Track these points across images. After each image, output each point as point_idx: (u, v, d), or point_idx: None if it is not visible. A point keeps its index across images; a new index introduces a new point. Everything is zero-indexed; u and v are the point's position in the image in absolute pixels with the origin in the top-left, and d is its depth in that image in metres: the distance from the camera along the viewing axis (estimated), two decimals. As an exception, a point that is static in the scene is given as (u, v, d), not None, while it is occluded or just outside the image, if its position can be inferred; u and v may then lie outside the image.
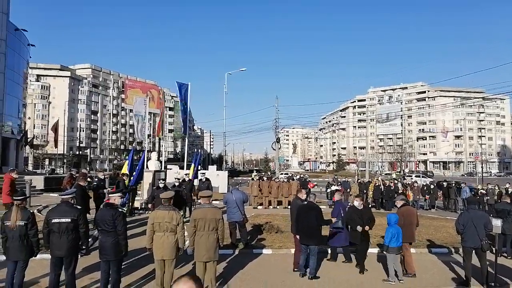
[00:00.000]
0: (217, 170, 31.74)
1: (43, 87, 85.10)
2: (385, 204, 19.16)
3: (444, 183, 20.80)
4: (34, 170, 53.61)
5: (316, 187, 26.55)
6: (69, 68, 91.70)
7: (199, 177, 15.70)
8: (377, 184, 19.99)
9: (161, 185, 11.74)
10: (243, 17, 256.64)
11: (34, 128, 79.43)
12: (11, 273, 5.55)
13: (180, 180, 14.16)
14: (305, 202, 7.79)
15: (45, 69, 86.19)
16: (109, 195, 6.45)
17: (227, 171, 32.85)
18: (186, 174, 16.66)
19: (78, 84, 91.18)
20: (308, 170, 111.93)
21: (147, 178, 16.51)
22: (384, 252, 7.39)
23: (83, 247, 6.05)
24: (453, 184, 20.62)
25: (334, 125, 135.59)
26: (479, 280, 7.10)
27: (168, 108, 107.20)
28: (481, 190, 19.36)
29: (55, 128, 35.54)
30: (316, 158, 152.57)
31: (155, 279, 6.12)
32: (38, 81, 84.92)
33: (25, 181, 19.31)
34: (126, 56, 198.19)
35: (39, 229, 5.89)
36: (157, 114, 19.47)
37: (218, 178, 26.94)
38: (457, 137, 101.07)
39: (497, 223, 7.16)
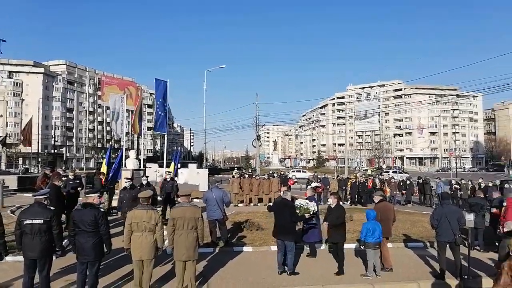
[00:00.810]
0: (197, 168, 31.52)
1: (16, 84, 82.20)
2: (363, 200, 19.45)
3: (420, 180, 21.33)
4: (7, 170, 51.78)
5: (296, 183, 26.78)
6: (43, 64, 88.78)
7: (164, 176, 14.22)
8: (353, 181, 20.35)
9: (127, 185, 10.23)
10: (220, 12, 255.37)
11: (6, 126, 76.82)
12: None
13: (162, 179, 13.71)
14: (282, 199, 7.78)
15: (17, 65, 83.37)
16: (87, 195, 6.28)
17: (207, 169, 32.65)
18: (167, 173, 16.44)
19: (53, 80, 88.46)
20: (288, 167, 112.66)
21: (125, 176, 16.21)
22: (362, 247, 7.52)
23: (57, 248, 5.89)
24: (429, 180, 21.16)
25: (314, 122, 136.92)
26: (453, 273, 7.32)
27: (146, 106, 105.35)
28: (455, 185, 19.95)
29: (28, 127, 34.39)
30: (296, 155, 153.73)
31: (133, 279, 6.02)
32: (10, 77, 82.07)
33: (-3, 181, 18.63)
34: (102, 53, 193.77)
35: (6, 231, 5.69)
36: (134, 111, 19.10)
37: (198, 176, 26.78)
38: (432, 133, 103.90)
39: (470, 217, 7.40)
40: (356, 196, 19.99)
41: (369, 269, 7.26)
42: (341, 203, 8.55)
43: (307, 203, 7.71)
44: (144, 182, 11.50)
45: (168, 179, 13.53)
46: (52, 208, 6.04)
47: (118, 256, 7.88)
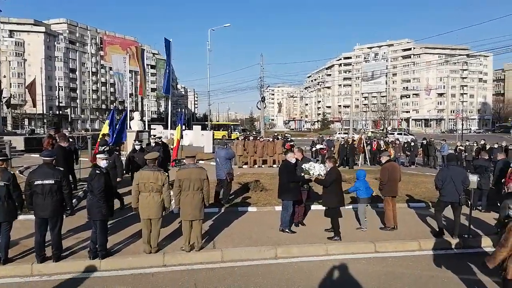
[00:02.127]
0: (201, 129, 31.60)
1: (17, 44, 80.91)
2: (350, 162, 19.05)
3: (424, 141, 21.27)
4: (13, 131, 52.29)
5: (293, 147, 26.57)
6: (43, 23, 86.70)
7: (150, 141, 13.12)
8: (342, 143, 20.12)
9: (137, 147, 10.47)
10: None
11: (10, 87, 76.45)
12: (-5, 235, 5.53)
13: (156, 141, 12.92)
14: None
15: (17, 24, 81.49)
16: (97, 156, 6.41)
17: (212, 131, 32.74)
18: (171, 134, 16.49)
19: (54, 40, 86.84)
20: (293, 129, 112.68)
21: (130, 138, 16.33)
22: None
23: (68, 208, 6.06)
24: (433, 142, 21.09)
25: (320, 83, 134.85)
26: (450, 231, 7.49)
27: (149, 66, 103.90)
28: (460, 147, 19.91)
29: (32, 87, 34.20)
30: (301, 117, 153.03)
31: (142, 237, 6.23)
32: (11, 37, 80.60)
33: (5, 142, 18.86)
34: (102, 11, 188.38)
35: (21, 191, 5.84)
36: (138, 72, 18.79)
37: (203, 138, 26.92)
38: (440, 94, 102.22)
39: (473, 178, 7.46)
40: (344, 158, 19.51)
41: (362, 223, 7.86)
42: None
43: (313, 166, 7.73)
44: (137, 147, 10.67)
45: (153, 145, 12.35)
46: (62, 168, 6.15)
47: (127, 215, 8.11)
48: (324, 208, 7.56)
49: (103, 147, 9.17)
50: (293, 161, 7.69)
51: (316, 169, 7.50)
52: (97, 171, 5.90)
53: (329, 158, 7.92)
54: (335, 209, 7.28)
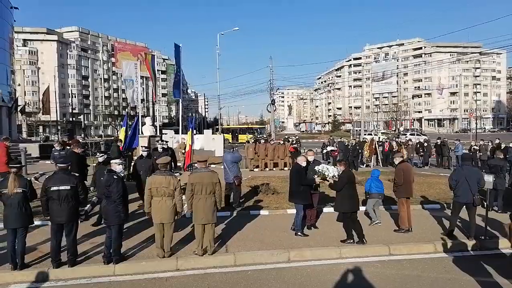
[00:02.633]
0: (212, 133, 31.73)
1: (31, 52, 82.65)
2: (355, 164, 18.64)
3: (438, 141, 20.96)
4: (28, 138, 53.29)
5: (296, 150, 26.31)
6: (56, 31, 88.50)
7: (156, 146, 12.84)
8: (346, 143, 19.90)
9: (144, 154, 10.07)
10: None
11: (24, 95, 77.98)
12: (12, 241, 5.64)
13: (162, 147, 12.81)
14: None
15: (31, 33, 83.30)
16: (111, 161, 6.50)
17: (222, 135, 32.85)
18: (182, 138, 16.57)
19: (66, 48, 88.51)
20: (303, 131, 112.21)
21: (142, 143, 16.50)
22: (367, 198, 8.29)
23: (82, 213, 6.15)
24: (447, 142, 20.77)
25: (330, 85, 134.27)
26: (466, 233, 7.37)
27: (160, 72, 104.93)
28: (474, 146, 19.56)
29: (45, 95, 34.85)
30: (311, 119, 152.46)
31: (155, 242, 6.27)
32: (25, 46, 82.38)
33: (20, 149, 19.23)
34: (113, 19, 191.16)
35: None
36: (149, 78, 19.00)
37: (214, 142, 27.01)
38: (452, 93, 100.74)
39: (489, 178, 7.31)
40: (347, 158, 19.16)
41: (373, 217, 8.23)
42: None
43: (327, 168, 7.68)
44: (144, 154, 10.32)
45: (160, 150, 12.09)
46: (77, 174, 6.25)
47: (140, 220, 8.18)
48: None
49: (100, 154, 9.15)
50: (304, 164, 7.63)
51: (330, 170, 7.46)
52: (114, 177, 5.98)
53: (341, 161, 7.73)
54: (345, 215, 7.10)
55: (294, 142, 23.67)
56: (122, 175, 6.31)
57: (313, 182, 7.54)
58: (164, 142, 13.12)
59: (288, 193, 7.88)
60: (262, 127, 68.39)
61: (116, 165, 6.26)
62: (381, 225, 8.08)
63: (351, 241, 6.95)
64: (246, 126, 65.17)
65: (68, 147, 11.33)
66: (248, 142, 22.27)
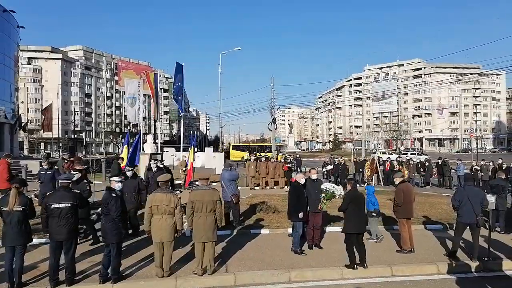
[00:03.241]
0: (213, 151, 31.73)
1: (35, 70, 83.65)
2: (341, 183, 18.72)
3: (439, 160, 20.93)
4: (29, 155, 53.32)
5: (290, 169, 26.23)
6: (61, 50, 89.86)
7: (151, 164, 12.47)
8: (336, 163, 20.19)
9: (128, 174, 9.36)
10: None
11: (27, 112, 78.34)
12: (10, 259, 5.57)
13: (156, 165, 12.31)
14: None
15: (36, 51, 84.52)
16: (110, 179, 6.51)
17: (223, 153, 32.85)
18: (183, 156, 16.59)
19: (71, 66, 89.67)
20: (304, 150, 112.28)
21: (144, 161, 16.50)
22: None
23: (81, 231, 6.11)
24: (448, 162, 20.74)
25: (330, 104, 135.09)
26: (469, 254, 7.28)
27: (162, 90, 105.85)
28: (476, 167, 19.51)
29: (47, 112, 35.06)
30: (312, 137, 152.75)
31: (154, 261, 6.19)
32: (30, 64, 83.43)
33: (21, 166, 19.23)
34: (117, 38, 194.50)
35: (37, 214, 5.92)
36: (150, 96, 19.20)
37: (214, 160, 26.99)
38: (453, 113, 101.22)
39: (491, 199, 7.28)
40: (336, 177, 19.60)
41: (373, 234, 8.39)
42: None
43: (333, 186, 7.71)
44: (154, 166, 11.14)
45: (155, 169, 11.68)
46: (78, 191, 6.24)
47: (140, 238, 8.10)
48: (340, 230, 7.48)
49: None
50: (302, 181, 7.67)
51: (337, 190, 7.53)
52: (113, 194, 5.96)
53: (349, 180, 7.50)
54: (350, 236, 6.80)
55: (289, 161, 23.68)
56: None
57: (304, 202, 7.57)
58: (159, 161, 12.99)
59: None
60: (282, 145, 67.89)
61: (115, 183, 6.25)
62: (378, 243, 8.16)
63: (352, 267, 6.61)
64: (261, 144, 65.13)
65: (56, 167, 11.03)
66: (246, 159, 22.26)
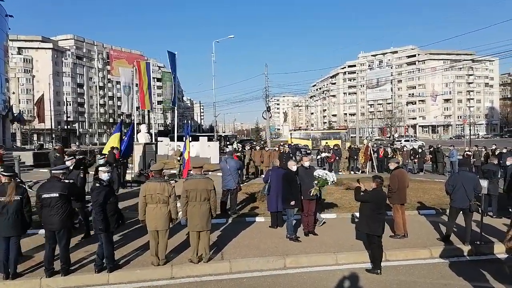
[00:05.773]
0: (208, 141, 31.65)
1: (26, 60, 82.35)
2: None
3: (432, 148, 21.08)
4: (22, 146, 52.83)
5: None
6: (51, 39, 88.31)
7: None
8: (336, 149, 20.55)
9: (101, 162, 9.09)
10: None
11: (19, 103, 77.59)
12: (5, 249, 5.56)
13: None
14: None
15: (26, 41, 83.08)
16: (99, 168, 6.44)
17: (218, 142, 32.80)
18: (178, 146, 16.51)
19: (62, 56, 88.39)
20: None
21: (138, 151, 16.43)
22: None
23: (76, 221, 6.09)
24: (441, 148, 20.89)
25: (325, 92, 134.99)
26: (462, 239, 7.38)
27: (155, 79, 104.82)
28: (468, 152, 19.68)
29: (39, 103, 34.65)
30: (307, 126, 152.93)
31: (149, 249, 6.21)
32: (20, 54, 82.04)
33: (14, 157, 19.05)
34: (108, 27, 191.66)
35: (32, 205, 5.92)
36: (143, 85, 18.90)
37: (209, 149, 26.96)
38: (446, 100, 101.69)
39: (483, 184, 7.35)
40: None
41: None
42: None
43: (326, 173, 7.73)
44: (101, 161, 9.78)
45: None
46: (67, 181, 6.19)
47: (134, 228, 8.11)
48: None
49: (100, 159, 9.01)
50: (294, 168, 7.72)
51: (330, 176, 7.53)
52: (97, 184, 5.91)
53: (375, 178, 6.40)
54: (371, 237, 6.16)
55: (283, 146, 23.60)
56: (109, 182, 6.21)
57: (296, 190, 7.57)
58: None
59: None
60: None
61: (102, 173, 6.12)
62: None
63: (376, 271, 6.05)
64: (331, 131, 64.45)
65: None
66: (244, 148, 22.22)
